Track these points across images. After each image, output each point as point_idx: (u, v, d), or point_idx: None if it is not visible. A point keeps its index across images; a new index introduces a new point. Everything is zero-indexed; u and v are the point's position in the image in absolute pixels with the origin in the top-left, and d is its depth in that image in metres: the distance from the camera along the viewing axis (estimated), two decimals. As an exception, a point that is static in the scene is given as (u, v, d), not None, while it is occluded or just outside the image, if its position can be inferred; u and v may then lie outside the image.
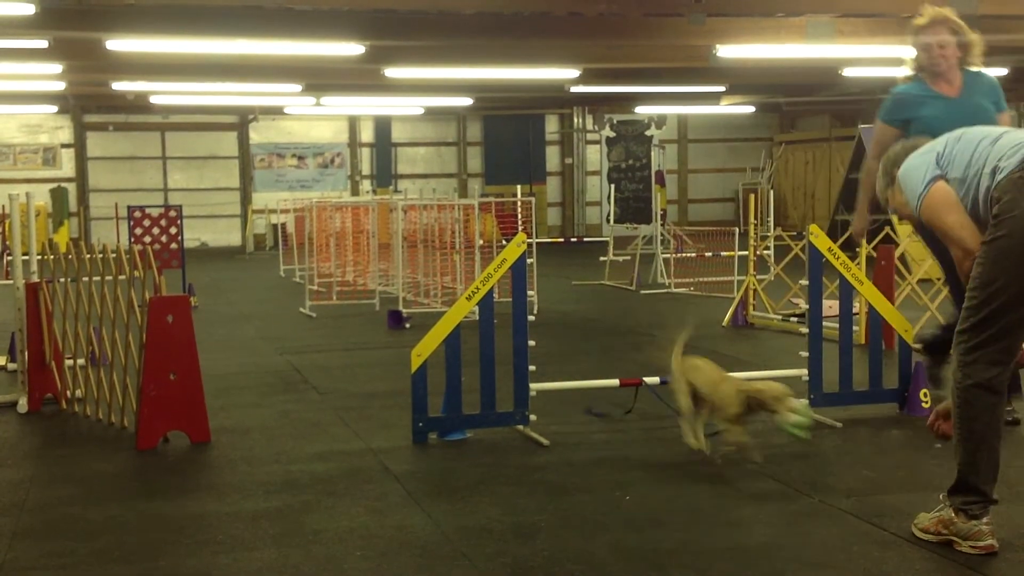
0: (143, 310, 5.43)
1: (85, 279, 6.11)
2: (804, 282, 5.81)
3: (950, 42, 5.35)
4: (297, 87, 17.90)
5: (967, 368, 3.64)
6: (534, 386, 5.42)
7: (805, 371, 5.68)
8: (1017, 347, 3.64)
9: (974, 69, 5.41)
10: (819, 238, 5.71)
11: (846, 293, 5.78)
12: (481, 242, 11.89)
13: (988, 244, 3.59)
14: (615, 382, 5.96)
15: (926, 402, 5.65)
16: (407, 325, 9.93)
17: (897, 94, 5.50)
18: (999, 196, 3.59)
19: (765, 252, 12.41)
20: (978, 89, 5.37)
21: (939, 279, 8.63)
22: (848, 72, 16.60)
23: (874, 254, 8.37)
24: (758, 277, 9.88)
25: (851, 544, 3.77)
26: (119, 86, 17.82)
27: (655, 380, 5.71)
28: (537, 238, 13.32)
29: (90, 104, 23.77)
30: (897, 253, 8.36)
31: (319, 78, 17.64)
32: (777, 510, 4.22)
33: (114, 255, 5.85)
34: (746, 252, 10.24)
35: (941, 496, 3.82)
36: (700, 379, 4.86)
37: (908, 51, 5.52)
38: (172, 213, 12.23)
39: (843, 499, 4.27)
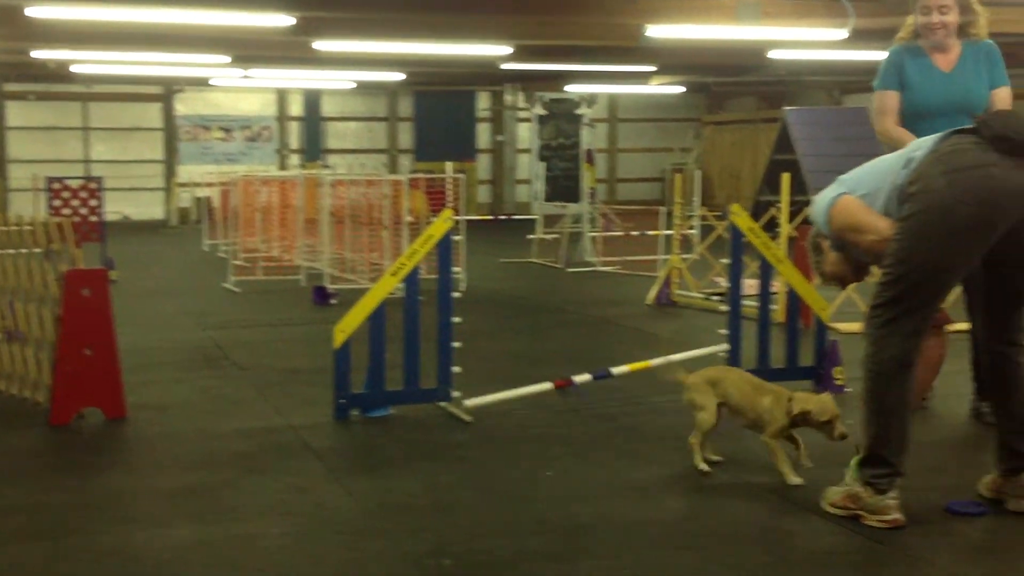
0: (60, 284, 5.33)
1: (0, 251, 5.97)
2: (726, 261, 5.89)
3: (951, 6, 4.97)
4: (224, 58, 17.58)
5: (881, 342, 3.73)
6: (470, 402, 5.35)
7: (725, 347, 5.77)
8: (929, 320, 3.74)
9: (985, 41, 5.05)
10: (740, 217, 5.79)
11: (766, 272, 5.88)
12: (410, 219, 11.85)
13: (904, 221, 3.68)
14: (548, 385, 5.68)
15: (840, 379, 5.77)
16: (333, 301, 9.86)
17: (891, 56, 5.19)
18: (914, 180, 3.68)
19: (690, 232, 12.55)
20: (974, 64, 5.03)
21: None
22: (775, 54, 16.79)
23: (795, 234, 8.51)
24: (682, 256, 9.98)
25: (763, 518, 3.85)
26: (39, 55, 17.34)
27: (586, 377, 5.64)
28: (467, 215, 13.31)
29: (10, 73, 23.08)
30: (812, 215, 8.47)
31: (247, 50, 17.35)
32: (693, 485, 4.29)
33: (30, 227, 5.72)
34: (671, 232, 10.34)
35: (846, 470, 3.92)
36: (733, 392, 4.36)
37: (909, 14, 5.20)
38: (93, 185, 11.99)
39: (757, 475, 4.35)
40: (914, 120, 5.00)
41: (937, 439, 4.88)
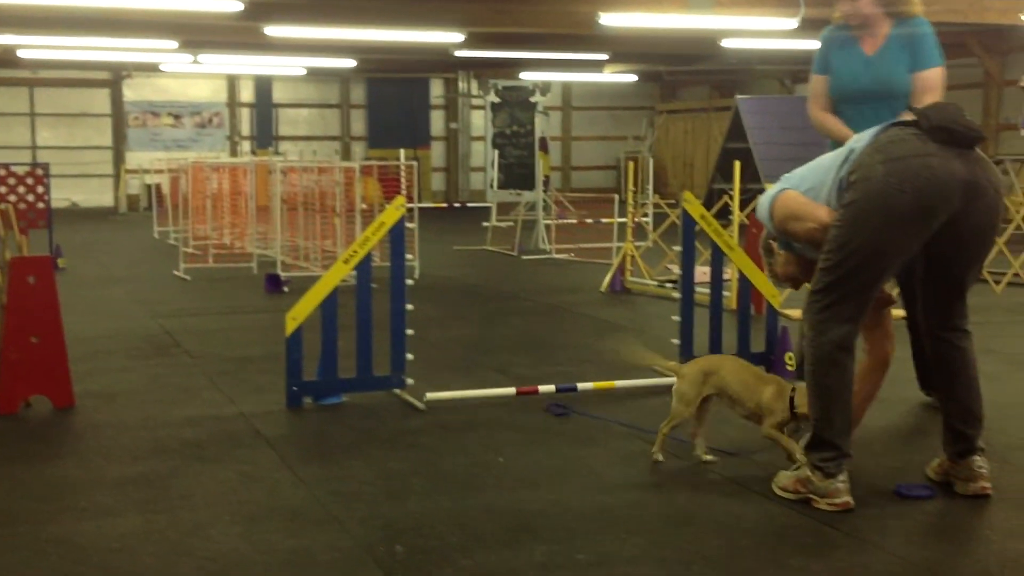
0: (5, 271, 5.23)
1: (-58, 238, 5.85)
2: (678, 248, 5.91)
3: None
4: (173, 44, 17.37)
5: (820, 326, 3.78)
6: (430, 395, 5.27)
7: (676, 335, 5.80)
8: (867, 305, 3.80)
9: (912, 21, 4.78)
10: (692, 205, 5.81)
11: (717, 260, 5.91)
12: (364, 206, 11.78)
13: (843, 208, 3.74)
14: (511, 391, 5.50)
15: (790, 365, 5.82)
16: (285, 289, 9.80)
17: (822, 39, 5.02)
18: (854, 169, 3.75)
19: (643, 219, 12.60)
20: (897, 47, 4.79)
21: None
22: (727, 43, 16.88)
23: (747, 222, 8.57)
24: (636, 244, 10.02)
25: (713, 502, 3.88)
26: (-17, 38, 17.02)
27: (550, 388, 5.50)
28: (421, 203, 13.26)
29: (-47, 57, 22.68)
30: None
31: (196, 35, 17.14)
32: (644, 470, 4.31)
33: (-27, 213, 5.62)
34: (625, 219, 10.37)
35: (798, 455, 3.96)
36: (732, 381, 4.24)
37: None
38: (39, 171, 11.79)
39: (706, 460, 4.37)
40: (839, 104, 4.94)
41: (885, 424, 4.94)
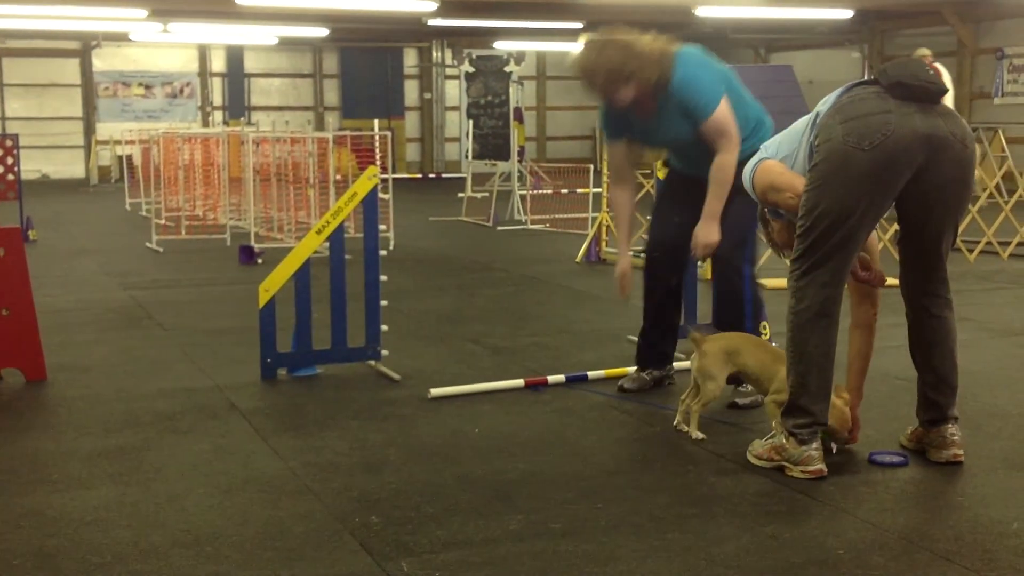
0: (-28, 243, 5.17)
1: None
2: (652, 218, 5.90)
3: (619, 91, 4.58)
4: (142, 12, 17.16)
5: (799, 293, 3.79)
6: (435, 391, 4.94)
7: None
8: (844, 270, 3.79)
9: (670, 84, 4.55)
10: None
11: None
12: (338, 177, 11.71)
13: (810, 172, 3.76)
14: (520, 382, 5.13)
15: (765, 334, 5.83)
16: (259, 260, 9.74)
17: (602, 112, 4.90)
18: (818, 132, 3.76)
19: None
20: (669, 116, 4.64)
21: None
22: (701, 11, 16.84)
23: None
24: (611, 214, 9.99)
25: (688, 471, 3.89)
26: (-51, 7, 16.77)
27: (559, 378, 5.20)
28: (395, 173, 13.19)
29: (-82, 26, 22.32)
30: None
31: (166, 3, 16.96)
32: (620, 439, 4.32)
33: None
34: (600, 189, 10.35)
35: (773, 423, 3.98)
36: (751, 361, 4.21)
37: None
38: (8, 143, 11.63)
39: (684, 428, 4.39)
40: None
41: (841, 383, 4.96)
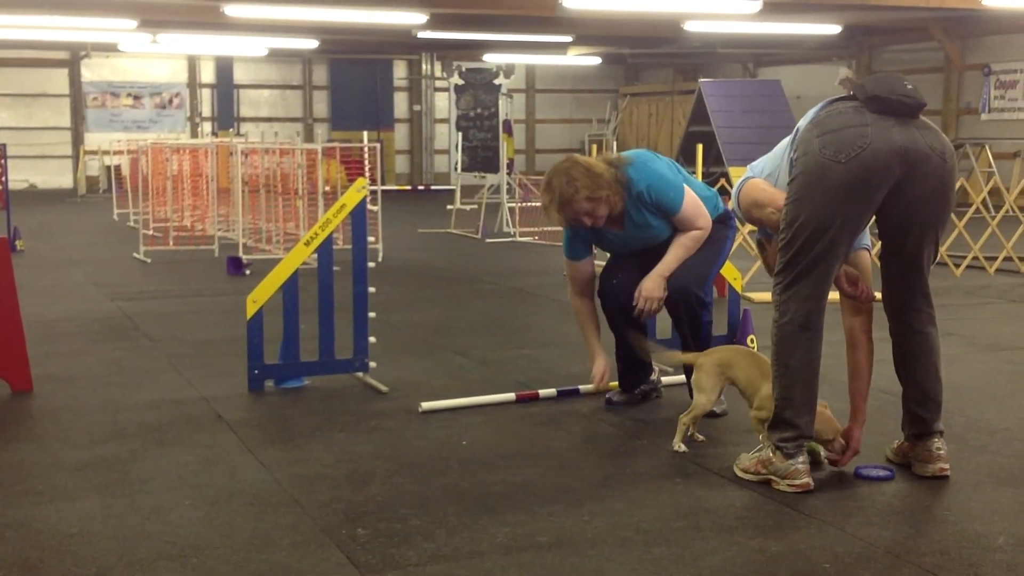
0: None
1: None
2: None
3: (594, 210, 4.66)
4: (131, 23, 17.15)
5: (782, 306, 3.81)
6: (426, 404, 4.92)
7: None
8: (825, 282, 3.79)
9: (636, 191, 4.68)
10: (655, 188, 5.81)
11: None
12: (326, 188, 11.71)
13: (789, 185, 3.79)
14: (511, 396, 5.11)
15: (752, 348, 5.85)
16: (247, 272, 9.73)
17: (567, 237, 4.95)
18: (796, 147, 3.79)
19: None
20: (641, 213, 4.75)
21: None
22: (690, 26, 16.91)
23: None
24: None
25: (676, 484, 3.90)
26: (-63, 16, 16.73)
27: (551, 392, 5.20)
28: (384, 185, 13.19)
29: (-94, 35, 22.25)
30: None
31: (155, 14, 16.95)
32: (607, 452, 4.32)
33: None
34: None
35: (761, 437, 3.99)
36: (740, 375, 4.23)
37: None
38: (-5, 152, 11.62)
39: (670, 441, 4.39)
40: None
41: (845, 407, 4.97)
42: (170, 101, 25.34)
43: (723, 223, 4.95)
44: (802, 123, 3.86)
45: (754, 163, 4.19)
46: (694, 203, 4.78)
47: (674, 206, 4.74)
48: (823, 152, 3.65)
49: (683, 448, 4.26)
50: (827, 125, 3.70)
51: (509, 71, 18.49)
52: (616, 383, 5.12)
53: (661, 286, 4.74)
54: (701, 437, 4.39)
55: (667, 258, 4.76)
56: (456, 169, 17.11)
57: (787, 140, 3.97)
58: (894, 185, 3.68)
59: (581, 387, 5.25)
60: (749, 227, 9.20)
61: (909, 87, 3.70)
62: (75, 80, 24.54)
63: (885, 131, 3.64)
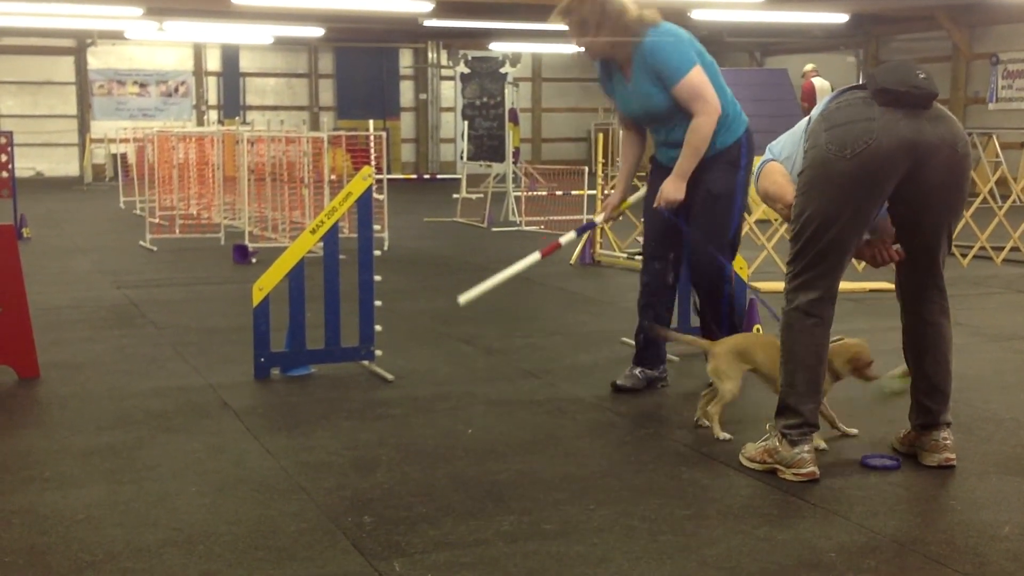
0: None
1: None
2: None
3: (575, 33, 4.77)
4: (137, 11, 17.15)
5: (790, 295, 3.84)
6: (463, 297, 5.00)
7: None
8: (833, 273, 3.80)
9: (643, 44, 4.68)
10: (662, 177, 5.80)
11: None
12: (333, 177, 11.70)
13: (799, 177, 3.80)
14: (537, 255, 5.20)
15: (759, 337, 5.84)
16: (253, 260, 9.73)
17: (599, 73, 5.01)
18: (807, 139, 3.80)
19: (613, 191, 12.59)
20: (642, 76, 4.73)
21: (776, 220, 8.93)
22: (696, 15, 16.86)
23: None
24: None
25: (681, 472, 3.90)
26: (-57, 4, 16.74)
27: (570, 236, 5.30)
28: (390, 174, 13.17)
29: (-88, 23, 22.26)
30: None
31: (161, 1, 16.95)
32: (613, 441, 4.32)
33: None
34: (595, 192, 10.35)
35: (768, 425, 3.98)
36: (763, 359, 4.24)
37: None
38: (2, 140, 11.63)
39: (676, 431, 4.40)
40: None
41: (851, 396, 4.97)
42: (176, 89, 25.34)
43: (733, 164, 4.82)
44: (815, 112, 3.85)
45: (773, 144, 4.15)
46: (698, 83, 4.64)
47: (671, 76, 4.62)
48: (829, 147, 3.65)
49: (727, 436, 4.25)
50: (834, 119, 3.69)
51: (515, 60, 18.43)
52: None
53: (681, 187, 4.72)
54: (707, 423, 4.38)
55: (681, 162, 4.72)
56: (462, 158, 17.09)
57: (802, 124, 3.96)
58: (905, 176, 3.67)
59: (595, 218, 5.42)
60: (755, 216, 9.19)
61: (922, 76, 3.66)
62: (81, 68, 24.54)
63: (892, 124, 3.62)
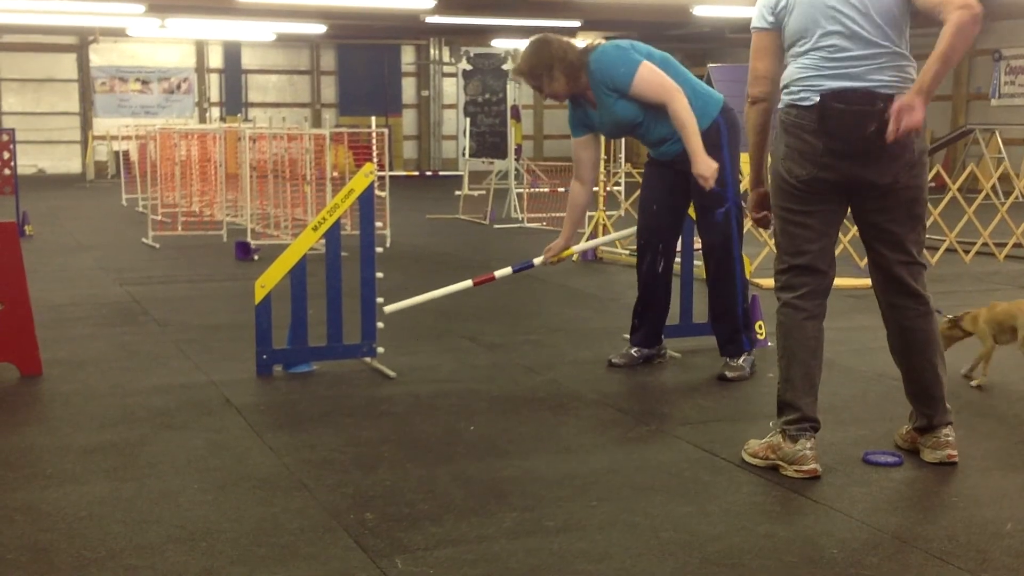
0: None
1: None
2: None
3: (543, 87, 5.07)
4: (140, 7, 17.15)
5: (779, 292, 3.90)
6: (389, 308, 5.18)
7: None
8: (815, 267, 3.82)
9: (590, 67, 4.98)
10: (664, 173, 5.80)
11: (687, 228, 5.90)
12: (335, 174, 11.70)
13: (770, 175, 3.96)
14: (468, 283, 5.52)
15: (762, 334, 5.84)
16: (255, 257, 9.74)
17: (569, 113, 5.24)
18: (773, 145, 3.91)
19: (615, 188, 12.61)
20: (602, 93, 5.00)
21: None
22: (698, 11, 16.85)
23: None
24: (608, 213, 10.02)
25: (683, 469, 3.90)
26: (-55, 1, 16.74)
27: (506, 271, 5.55)
28: (392, 171, 13.18)
29: (-86, 20, 22.26)
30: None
31: (163, -1, 16.94)
32: (615, 438, 4.32)
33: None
34: (596, 188, 10.35)
35: (771, 423, 3.98)
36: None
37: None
38: (4, 137, 11.64)
39: (679, 427, 4.40)
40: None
41: (853, 392, 4.98)
42: (178, 86, 25.35)
43: (715, 147, 4.95)
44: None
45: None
46: (649, 77, 4.89)
47: (624, 80, 4.89)
48: (781, 163, 3.79)
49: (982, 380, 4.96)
50: (788, 136, 3.76)
51: (517, 56, 18.47)
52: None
53: (707, 161, 4.84)
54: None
55: (689, 144, 4.87)
56: (464, 155, 17.09)
57: None
58: (851, 203, 3.80)
59: (535, 260, 5.55)
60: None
61: (871, 130, 3.58)
62: (83, 65, 24.56)
63: (834, 161, 3.67)
